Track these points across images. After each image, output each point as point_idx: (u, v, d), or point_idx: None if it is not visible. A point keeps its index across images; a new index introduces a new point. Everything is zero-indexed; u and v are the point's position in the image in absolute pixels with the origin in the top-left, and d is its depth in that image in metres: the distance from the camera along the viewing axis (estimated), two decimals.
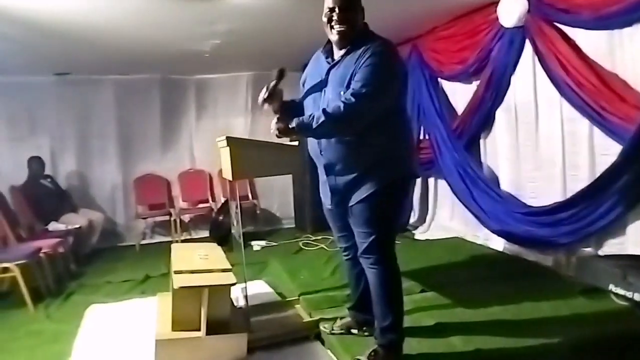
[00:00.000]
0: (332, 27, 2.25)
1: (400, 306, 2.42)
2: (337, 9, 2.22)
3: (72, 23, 3.70)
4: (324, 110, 2.16)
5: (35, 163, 5.48)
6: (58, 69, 5.54)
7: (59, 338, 3.19)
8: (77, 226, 5.19)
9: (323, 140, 2.34)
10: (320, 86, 2.35)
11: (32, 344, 3.15)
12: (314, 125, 2.16)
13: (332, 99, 2.25)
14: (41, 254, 4.16)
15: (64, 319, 3.55)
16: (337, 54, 2.32)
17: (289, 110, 2.44)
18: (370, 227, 2.31)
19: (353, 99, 2.11)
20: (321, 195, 2.56)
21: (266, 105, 2.42)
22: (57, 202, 5.48)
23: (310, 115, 2.20)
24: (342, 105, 2.12)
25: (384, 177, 2.27)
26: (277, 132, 2.27)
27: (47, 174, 5.65)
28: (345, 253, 2.67)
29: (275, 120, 2.28)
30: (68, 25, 3.75)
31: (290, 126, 2.22)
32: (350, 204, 2.35)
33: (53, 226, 5.15)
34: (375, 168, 2.27)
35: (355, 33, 2.25)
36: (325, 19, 2.27)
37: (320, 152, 2.38)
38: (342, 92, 2.18)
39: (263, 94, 2.39)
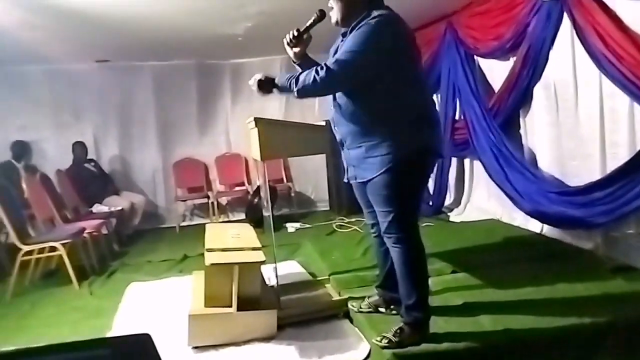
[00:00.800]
0: None
1: (425, 284, 2.42)
2: None
3: (111, 11, 3.81)
4: (300, 73, 2.26)
5: (79, 148, 5.73)
6: (99, 56, 5.72)
7: (101, 313, 3.34)
8: (119, 208, 5.40)
9: (335, 116, 2.39)
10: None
11: (76, 319, 3.31)
12: (287, 84, 2.29)
13: None
14: (85, 234, 4.35)
15: (106, 296, 3.72)
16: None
17: (307, 67, 2.45)
18: (389, 205, 2.31)
19: (327, 65, 2.18)
20: (345, 169, 2.58)
21: (290, 47, 2.45)
22: (101, 185, 5.72)
23: (291, 75, 2.29)
24: (317, 68, 2.20)
25: (396, 151, 2.24)
26: (255, 86, 2.38)
27: (91, 158, 5.89)
28: (372, 230, 2.69)
29: (257, 75, 2.39)
30: (107, 13, 3.86)
31: (275, 81, 2.34)
32: (366, 179, 2.35)
33: (97, 208, 5.38)
34: (386, 141, 2.25)
35: (353, 15, 2.28)
36: None
37: (334, 127, 2.44)
38: None
39: (293, 31, 2.41)
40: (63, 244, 3.94)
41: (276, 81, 2.36)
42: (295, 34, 2.40)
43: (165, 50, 5.68)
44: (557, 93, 3.83)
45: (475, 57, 4.77)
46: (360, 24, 2.21)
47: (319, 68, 2.20)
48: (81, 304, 3.60)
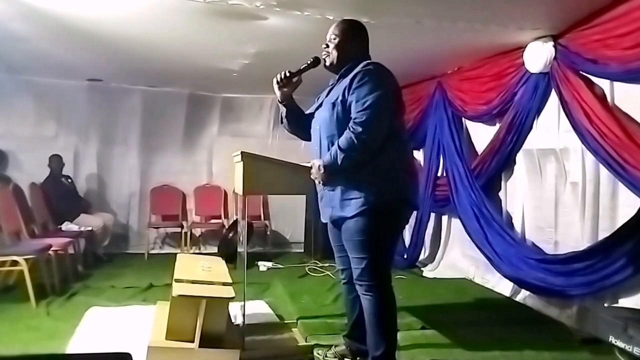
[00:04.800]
0: None
1: (394, 336, 2.40)
2: (328, 39, 2.47)
3: (111, 30, 3.81)
4: (338, 147, 2.27)
5: (55, 161, 5.61)
6: (91, 75, 5.70)
7: (56, 335, 3.20)
8: (89, 228, 5.26)
9: (318, 154, 2.45)
10: (318, 106, 2.53)
11: (29, 338, 3.15)
12: (335, 160, 2.28)
13: (322, 117, 2.43)
14: (51, 252, 4.21)
15: (63, 318, 3.56)
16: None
17: (293, 112, 2.61)
18: (362, 252, 2.33)
19: (360, 128, 2.22)
20: (320, 210, 2.60)
21: (278, 88, 2.54)
22: (75, 202, 5.59)
23: (330, 155, 2.30)
24: (352, 135, 2.24)
25: (371, 196, 2.29)
26: (316, 177, 2.39)
27: (67, 175, 5.77)
28: (342, 276, 2.68)
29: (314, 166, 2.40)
30: (106, 33, 3.86)
31: (321, 168, 2.33)
32: (341, 221, 2.39)
33: (67, 226, 5.23)
34: (363, 185, 2.31)
35: (345, 62, 2.41)
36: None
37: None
38: (331, 109, 2.36)
39: (285, 72, 2.51)
40: (26, 259, 3.80)
41: (322, 168, 2.35)
42: (288, 74, 2.51)
43: (158, 77, 5.70)
44: (540, 161, 3.93)
45: (463, 118, 4.89)
46: (356, 75, 2.30)
47: (352, 134, 2.23)
48: (36, 323, 3.44)
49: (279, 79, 2.52)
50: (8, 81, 5.56)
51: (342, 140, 2.26)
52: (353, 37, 2.46)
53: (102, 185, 6.25)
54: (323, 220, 2.58)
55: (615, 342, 2.67)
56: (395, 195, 2.34)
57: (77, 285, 4.44)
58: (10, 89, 5.64)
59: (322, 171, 2.34)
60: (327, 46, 2.46)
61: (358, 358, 2.63)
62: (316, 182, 2.44)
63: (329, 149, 2.37)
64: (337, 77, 2.47)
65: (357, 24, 2.53)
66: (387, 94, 2.28)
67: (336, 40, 2.44)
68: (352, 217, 2.32)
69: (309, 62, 2.52)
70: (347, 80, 2.35)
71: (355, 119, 2.25)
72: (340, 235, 2.46)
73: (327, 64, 2.48)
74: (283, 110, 2.64)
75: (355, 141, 2.22)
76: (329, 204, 2.46)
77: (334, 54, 2.44)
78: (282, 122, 2.72)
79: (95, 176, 6.19)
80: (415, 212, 5.22)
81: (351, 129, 2.25)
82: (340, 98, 2.34)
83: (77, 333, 3.22)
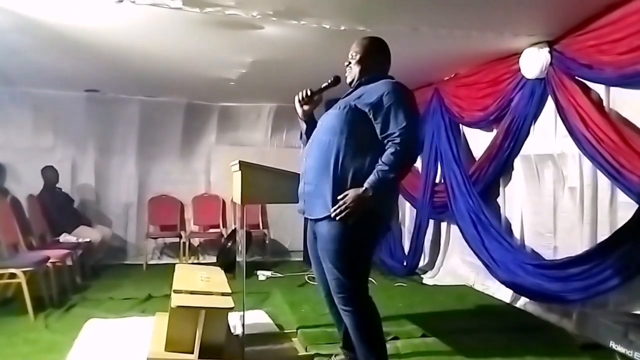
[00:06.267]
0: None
1: (382, 348, 2.38)
2: (349, 56, 2.50)
3: (107, 42, 3.84)
4: (382, 164, 2.22)
5: (50, 172, 5.58)
6: (88, 85, 5.71)
7: (54, 348, 3.17)
8: (87, 240, 5.24)
9: (310, 148, 2.45)
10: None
11: (27, 352, 3.13)
12: (382, 177, 2.20)
13: (330, 113, 2.44)
14: (49, 264, 4.18)
15: (61, 330, 3.54)
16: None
17: (313, 128, 2.58)
18: (338, 261, 2.29)
19: (397, 139, 2.21)
20: (299, 200, 2.57)
21: (300, 105, 2.59)
22: (72, 214, 5.57)
23: (375, 176, 2.21)
24: (392, 149, 2.22)
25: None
26: (351, 210, 2.21)
27: (59, 187, 5.75)
28: (321, 288, 2.62)
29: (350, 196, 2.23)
30: (103, 43, 3.88)
31: (366, 193, 2.20)
32: (312, 218, 2.38)
33: (64, 238, 5.21)
34: (344, 189, 2.25)
35: (364, 77, 2.45)
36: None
37: (304, 157, 2.49)
38: (342, 109, 2.36)
39: (307, 90, 2.55)
40: (24, 272, 3.78)
41: (369, 192, 2.21)
42: (309, 93, 2.56)
43: (155, 87, 5.72)
44: (537, 166, 3.94)
45: (460, 124, 4.91)
46: (374, 88, 2.34)
47: (390, 150, 2.21)
48: (35, 336, 3.41)
49: (300, 98, 2.58)
50: (5, 93, 5.57)
51: (387, 157, 2.21)
52: (374, 54, 2.48)
53: (100, 195, 6.23)
54: (299, 210, 2.54)
55: (616, 347, 2.67)
56: (372, 209, 2.26)
57: (75, 297, 4.42)
58: (8, 100, 5.64)
59: (369, 194, 2.18)
60: (349, 63, 2.50)
61: None
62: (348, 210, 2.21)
63: (319, 138, 2.39)
64: (355, 87, 2.48)
65: (379, 41, 2.54)
66: (417, 111, 2.38)
67: (357, 57, 2.46)
68: (329, 219, 2.27)
69: (329, 81, 2.55)
70: (365, 90, 2.36)
71: (394, 134, 2.22)
72: (316, 243, 2.44)
73: (349, 81, 2.51)
74: (303, 127, 2.67)
75: (403, 155, 2.21)
76: (304, 196, 2.44)
77: (356, 70, 2.47)
78: (301, 138, 2.73)
79: (93, 186, 6.19)
80: (414, 218, 5.32)
81: (395, 145, 2.21)
82: (355, 102, 2.33)
83: (75, 345, 3.19)
